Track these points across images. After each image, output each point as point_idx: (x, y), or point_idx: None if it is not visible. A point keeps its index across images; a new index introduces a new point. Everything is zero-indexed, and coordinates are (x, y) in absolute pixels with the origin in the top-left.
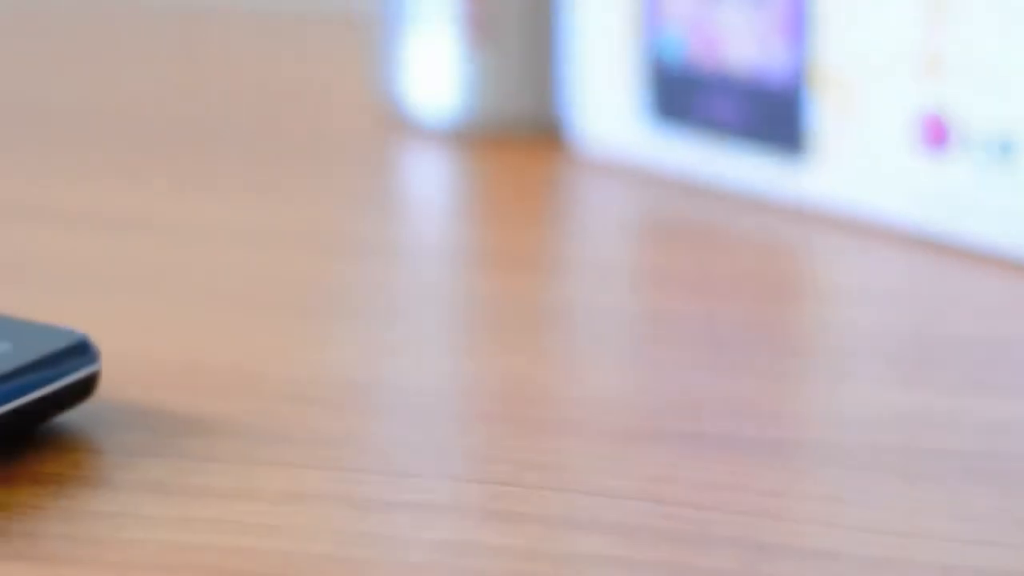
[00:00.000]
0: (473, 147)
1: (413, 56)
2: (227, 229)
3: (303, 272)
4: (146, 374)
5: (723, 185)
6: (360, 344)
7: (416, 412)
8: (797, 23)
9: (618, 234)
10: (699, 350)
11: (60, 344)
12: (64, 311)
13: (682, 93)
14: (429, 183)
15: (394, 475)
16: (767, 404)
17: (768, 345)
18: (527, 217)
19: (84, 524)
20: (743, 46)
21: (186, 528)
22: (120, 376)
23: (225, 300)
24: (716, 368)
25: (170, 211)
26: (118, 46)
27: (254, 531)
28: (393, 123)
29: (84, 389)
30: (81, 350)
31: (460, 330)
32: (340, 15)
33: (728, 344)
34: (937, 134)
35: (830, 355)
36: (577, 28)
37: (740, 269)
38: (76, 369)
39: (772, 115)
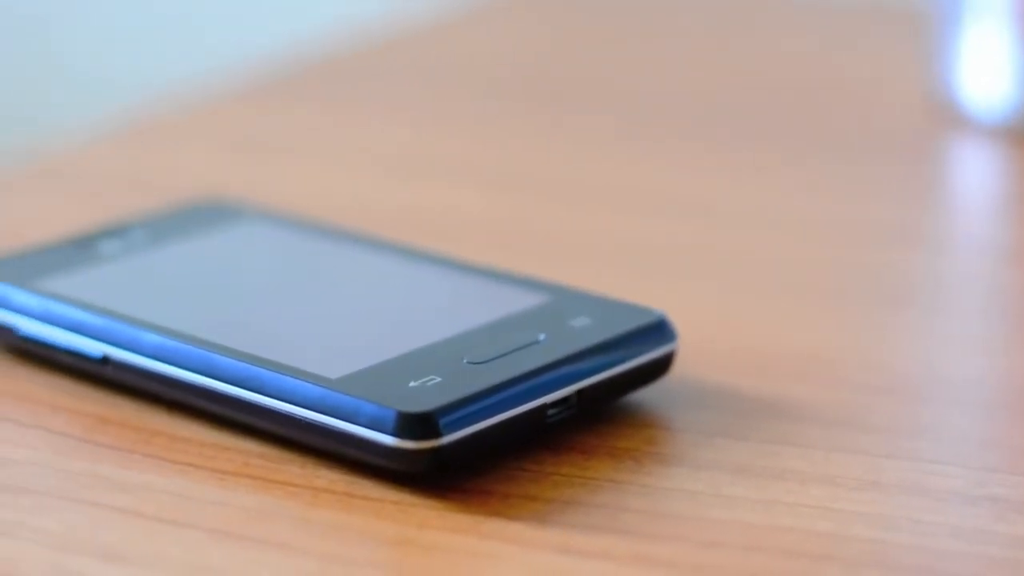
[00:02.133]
0: None
1: (966, 51)
2: (786, 218)
3: (859, 262)
4: (718, 357)
5: None
6: (923, 335)
7: (983, 407)
8: None
9: None
10: None
11: (639, 322)
12: (642, 291)
13: None
14: (980, 177)
15: (970, 468)
16: None
17: None
18: None
19: (664, 500)
20: None
21: (767, 510)
22: (693, 357)
23: (792, 287)
24: None
25: (731, 199)
26: (668, 33)
27: (834, 516)
28: (945, 117)
29: (660, 367)
30: (659, 329)
31: (1016, 325)
32: (891, 8)
33: None
34: None
35: None
36: None
37: None
38: (654, 347)
39: None
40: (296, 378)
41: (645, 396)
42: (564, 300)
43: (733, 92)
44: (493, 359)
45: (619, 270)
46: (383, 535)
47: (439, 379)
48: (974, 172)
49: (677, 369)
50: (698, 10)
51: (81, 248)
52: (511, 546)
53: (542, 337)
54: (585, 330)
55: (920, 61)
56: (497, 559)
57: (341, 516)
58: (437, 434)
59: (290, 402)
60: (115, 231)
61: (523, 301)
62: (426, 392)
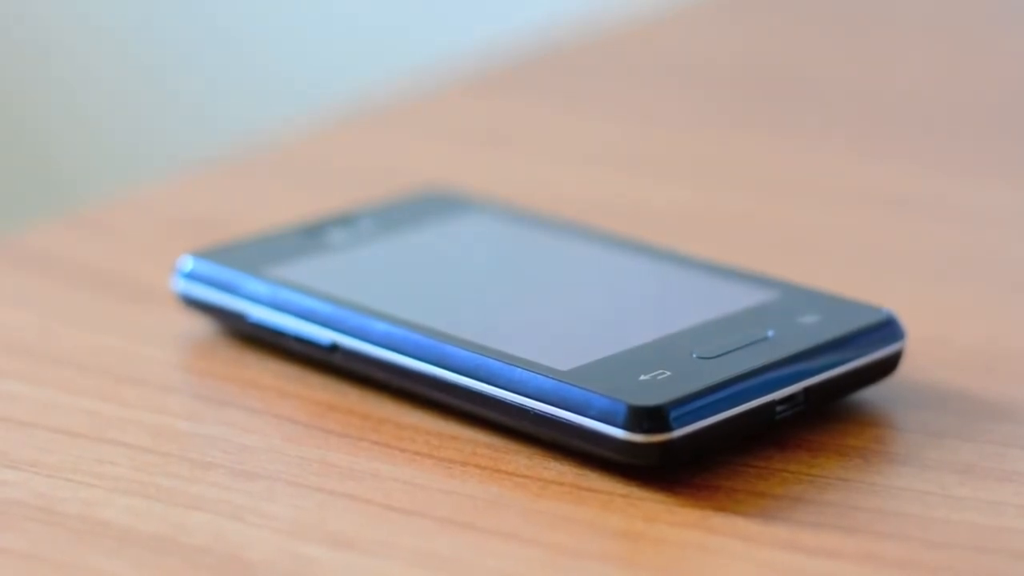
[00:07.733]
0: None
1: None
2: (1019, 217)
3: None
4: (945, 356)
5: None
6: None
7: None
8: None
9: None
10: None
11: (867, 320)
12: (867, 289)
13: None
14: None
15: None
16: None
17: None
18: None
19: (892, 500)
20: None
21: (995, 512)
22: (921, 356)
23: (1022, 287)
24: None
25: (958, 197)
26: (868, 33)
27: None
28: None
29: (888, 366)
30: (887, 327)
31: None
32: None
33: None
34: None
35: None
36: None
37: None
38: (882, 345)
39: None
40: (526, 369)
41: (872, 394)
42: (792, 297)
43: (948, 89)
44: (722, 354)
45: (842, 268)
46: (611, 528)
47: (669, 373)
48: None
49: (904, 368)
50: (901, 5)
51: (310, 236)
52: (739, 542)
53: (771, 334)
54: (814, 328)
55: None
56: (725, 555)
57: (569, 508)
58: (667, 428)
59: (520, 393)
60: (343, 220)
61: (751, 297)
62: (656, 386)
